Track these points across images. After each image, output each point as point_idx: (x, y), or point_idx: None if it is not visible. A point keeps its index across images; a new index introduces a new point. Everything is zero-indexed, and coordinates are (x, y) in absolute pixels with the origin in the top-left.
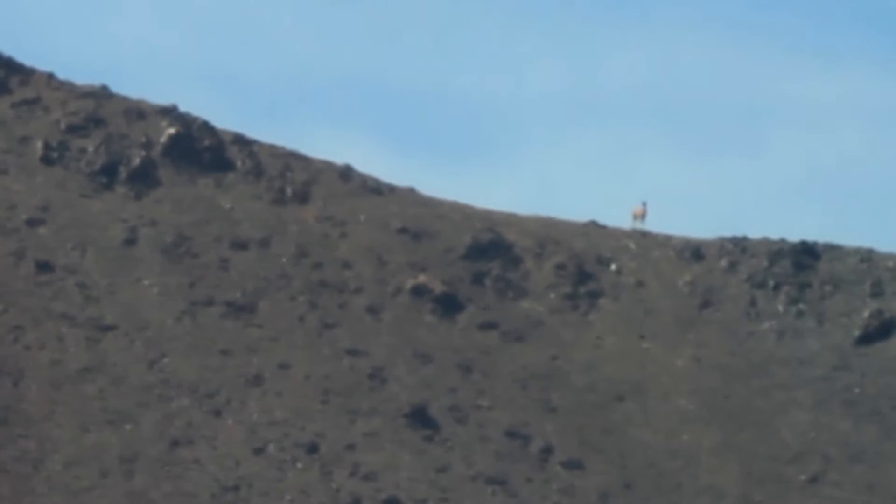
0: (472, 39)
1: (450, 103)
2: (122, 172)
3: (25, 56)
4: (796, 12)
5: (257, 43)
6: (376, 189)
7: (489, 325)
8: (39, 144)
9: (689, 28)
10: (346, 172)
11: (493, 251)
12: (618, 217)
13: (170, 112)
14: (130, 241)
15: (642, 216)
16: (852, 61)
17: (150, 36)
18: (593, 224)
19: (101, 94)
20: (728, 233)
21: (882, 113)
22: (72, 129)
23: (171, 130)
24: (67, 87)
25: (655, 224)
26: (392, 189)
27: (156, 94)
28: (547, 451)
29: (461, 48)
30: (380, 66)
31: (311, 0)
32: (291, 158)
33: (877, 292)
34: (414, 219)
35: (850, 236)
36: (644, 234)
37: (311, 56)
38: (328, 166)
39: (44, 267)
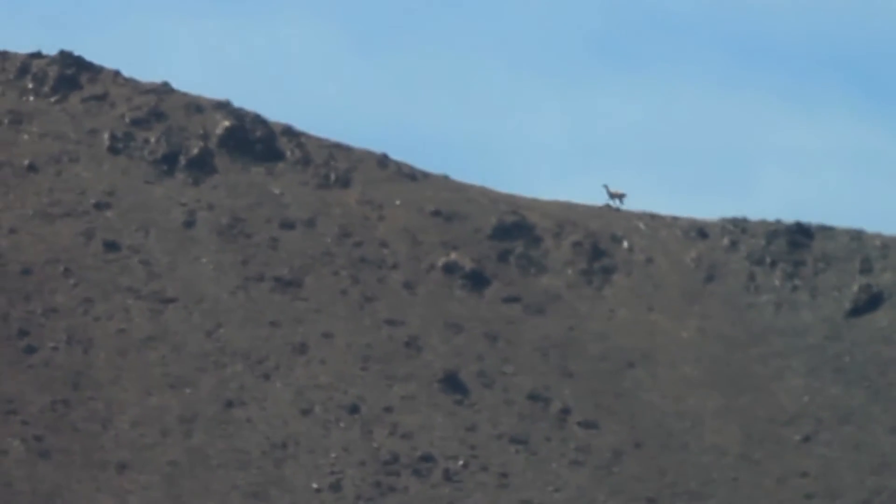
0: (485, 90)
1: (465, 146)
2: (182, 161)
3: (94, 55)
4: (779, 67)
5: (290, 90)
6: (411, 175)
7: (513, 299)
8: (106, 136)
9: (682, 81)
10: (384, 160)
11: (516, 231)
12: (629, 202)
13: (225, 106)
14: (189, 223)
15: (617, 196)
16: (831, 111)
17: (205, 46)
18: (607, 207)
19: (163, 90)
20: (730, 214)
21: (858, 156)
22: (136, 122)
23: (227, 123)
24: (132, 84)
25: (663, 207)
26: (426, 175)
27: (212, 90)
28: (565, 412)
29: (475, 98)
30: (401, 113)
31: (343, 54)
32: (335, 148)
33: (866, 269)
34: (445, 202)
35: (842, 217)
36: (653, 216)
37: (340, 104)
38: (368, 155)
39: (111, 246)
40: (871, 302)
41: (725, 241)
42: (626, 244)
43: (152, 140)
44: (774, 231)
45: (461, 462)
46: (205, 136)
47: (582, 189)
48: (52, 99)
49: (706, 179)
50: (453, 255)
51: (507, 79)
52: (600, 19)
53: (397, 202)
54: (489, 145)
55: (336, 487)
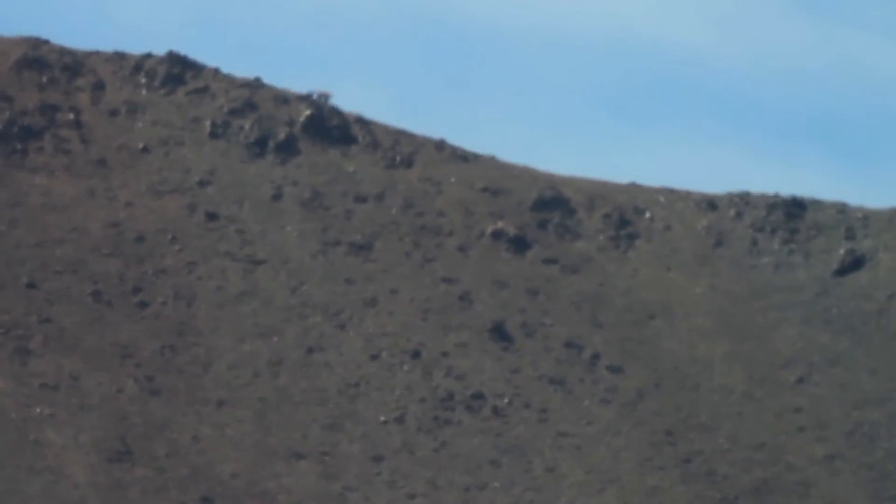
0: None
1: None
2: (271, 144)
3: (198, 54)
4: (761, 125)
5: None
6: (464, 157)
7: (551, 261)
8: (207, 123)
9: (681, 135)
10: (441, 144)
11: (554, 204)
12: (650, 180)
13: (307, 98)
14: (277, 197)
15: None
16: (805, 165)
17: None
18: (632, 184)
19: (255, 85)
20: (736, 189)
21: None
22: (232, 112)
23: (308, 112)
24: (229, 79)
25: (678, 183)
26: (476, 157)
27: (297, 84)
28: (595, 357)
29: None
30: None
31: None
32: (400, 134)
33: (850, 236)
34: (493, 179)
35: (830, 192)
36: (671, 191)
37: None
38: (427, 140)
39: (211, 216)
40: (854, 263)
41: (732, 211)
42: (647, 214)
43: (246, 127)
44: (774, 203)
45: (507, 400)
46: (290, 124)
47: (609, 170)
48: (162, 92)
49: None
50: (500, 224)
51: (526, 133)
52: (608, 83)
53: (452, 179)
54: None
55: (400, 420)
